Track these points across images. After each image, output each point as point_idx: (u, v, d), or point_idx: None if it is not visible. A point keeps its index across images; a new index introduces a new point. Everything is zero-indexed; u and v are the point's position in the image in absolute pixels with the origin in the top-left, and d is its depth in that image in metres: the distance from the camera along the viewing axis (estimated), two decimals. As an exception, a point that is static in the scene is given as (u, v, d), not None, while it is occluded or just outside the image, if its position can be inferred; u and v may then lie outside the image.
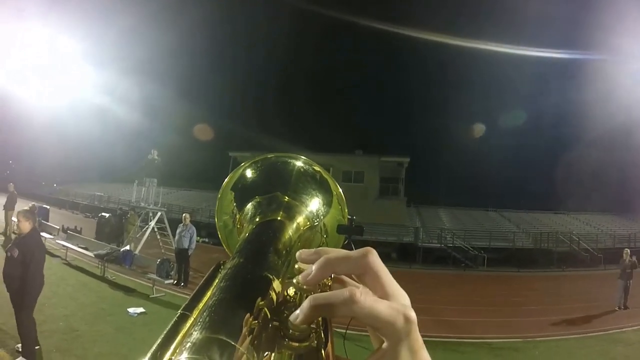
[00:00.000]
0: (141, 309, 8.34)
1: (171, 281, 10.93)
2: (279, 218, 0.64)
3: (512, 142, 47.36)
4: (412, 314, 0.37)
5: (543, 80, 47.61)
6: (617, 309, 11.97)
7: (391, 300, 0.39)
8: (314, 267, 0.41)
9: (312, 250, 0.45)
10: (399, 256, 24.72)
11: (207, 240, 24.71)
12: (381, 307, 0.37)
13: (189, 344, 0.32)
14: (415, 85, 58.39)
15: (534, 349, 8.28)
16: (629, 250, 12.77)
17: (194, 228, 11.78)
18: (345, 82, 63.75)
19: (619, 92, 31.12)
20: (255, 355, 0.35)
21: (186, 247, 11.36)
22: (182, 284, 11.11)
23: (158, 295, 9.79)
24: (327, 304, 0.37)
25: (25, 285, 5.23)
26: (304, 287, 0.41)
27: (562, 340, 8.93)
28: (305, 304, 0.37)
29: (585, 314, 11.15)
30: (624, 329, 9.76)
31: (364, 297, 0.36)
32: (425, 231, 28.65)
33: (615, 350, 8.39)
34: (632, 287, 12.07)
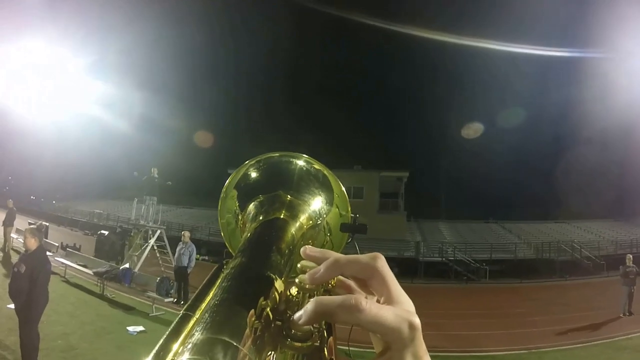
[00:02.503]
0: (141, 328, 8.27)
1: (171, 299, 10.85)
2: (281, 217, 0.64)
3: (511, 153, 47.64)
4: (417, 321, 0.38)
5: (540, 88, 47.95)
6: (622, 315, 11.90)
7: (396, 306, 0.40)
8: (322, 266, 0.42)
9: (318, 249, 0.45)
10: (401, 271, 24.56)
11: (207, 258, 24.68)
12: (386, 314, 0.37)
13: (191, 345, 0.32)
14: (413, 98, 58.96)
15: (539, 359, 8.21)
16: (631, 256, 12.74)
17: (193, 246, 11.72)
18: (344, 98, 64.33)
19: (617, 94, 31.10)
20: (257, 355, 0.35)
21: (185, 265, 11.29)
22: (182, 302, 11.00)
23: (158, 313, 9.72)
24: (332, 310, 0.37)
25: (31, 299, 5.30)
26: (307, 286, 0.42)
27: (568, 349, 8.85)
28: (310, 306, 0.37)
29: (590, 322, 11.07)
30: (630, 336, 9.70)
31: (369, 305, 0.36)
32: (426, 245, 28.64)
33: (621, 357, 8.34)
34: (636, 292, 12.01)
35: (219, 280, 0.44)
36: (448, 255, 26.54)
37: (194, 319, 0.37)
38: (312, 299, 0.38)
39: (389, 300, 0.40)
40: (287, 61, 61.09)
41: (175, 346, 0.34)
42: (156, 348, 0.34)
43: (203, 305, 0.39)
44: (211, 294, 0.41)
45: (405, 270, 24.53)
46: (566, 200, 37.69)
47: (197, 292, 0.44)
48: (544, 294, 18.20)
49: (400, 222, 32.11)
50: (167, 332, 0.37)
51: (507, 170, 46.97)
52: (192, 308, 0.40)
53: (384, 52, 58.47)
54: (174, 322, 0.38)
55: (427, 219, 36.83)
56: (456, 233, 33.34)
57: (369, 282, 0.42)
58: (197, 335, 0.33)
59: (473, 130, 45.02)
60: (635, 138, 31.92)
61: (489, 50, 40.16)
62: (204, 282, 0.46)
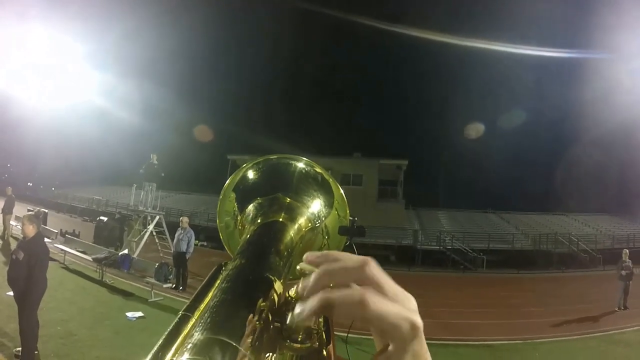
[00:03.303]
0: (139, 313, 8.31)
1: (170, 285, 10.90)
2: (280, 219, 0.64)
3: (511, 143, 47.57)
4: (419, 320, 0.38)
5: (541, 81, 47.82)
6: (617, 309, 11.97)
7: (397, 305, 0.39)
8: (311, 278, 0.41)
9: (319, 253, 0.45)
10: (398, 259, 24.72)
11: (205, 243, 24.69)
12: (389, 310, 0.37)
13: (190, 345, 0.32)
14: (414, 88, 58.72)
15: (534, 350, 8.28)
16: (627, 251, 12.78)
17: (192, 231, 11.72)
18: (344, 84, 63.99)
19: (617, 92, 31.15)
20: (256, 356, 0.35)
21: (184, 250, 11.30)
22: (181, 288, 11.07)
23: (156, 299, 9.75)
24: (336, 304, 0.37)
25: (29, 286, 5.29)
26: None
27: (563, 341, 8.92)
28: (314, 299, 0.37)
29: (585, 315, 11.14)
30: (624, 330, 9.75)
31: (374, 298, 0.36)
32: (424, 233, 28.71)
33: (615, 351, 8.39)
34: (632, 287, 12.08)
35: (217, 282, 0.44)
36: (446, 244, 26.59)
37: (193, 319, 0.37)
38: (318, 293, 0.38)
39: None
40: (288, 52, 60.68)
41: (174, 347, 0.34)
42: (155, 348, 0.34)
43: (202, 306, 0.39)
44: (210, 295, 0.41)
45: (402, 258, 24.65)
46: (565, 193, 37.80)
47: (196, 293, 0.44)
48: (540, 286, 18.31)
49: (398, 210, 32.18)
50: (166, 333, 0.37)
51: (507, 161, 46.93)
52: (191, 309, 0.39)
53: (385, 47, 58.11)
54: (173, 323, 0.38)
55: (425, 208, 36.92)
56: (454, 222, 33.40)
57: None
58: (196, 336, 0.33)
59: (474, 130, 44.95)
60: (635, 135, 32.02)
61: (490, 47, 40.12)
62: (203, 283, 0.46)
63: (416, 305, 0.41)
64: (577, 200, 36.25)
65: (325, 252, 0.45)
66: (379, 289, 0.40)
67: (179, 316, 0.39)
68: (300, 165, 0.74)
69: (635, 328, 9.80)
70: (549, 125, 47.17)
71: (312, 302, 0.37)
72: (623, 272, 12.12)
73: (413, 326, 0.37)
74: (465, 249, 25.64)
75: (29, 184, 53.68)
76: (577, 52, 36.93)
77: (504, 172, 45.34)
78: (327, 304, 0.37)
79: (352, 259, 0.42)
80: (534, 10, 41.55)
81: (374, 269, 0.41)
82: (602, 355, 8.17)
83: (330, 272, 0.41)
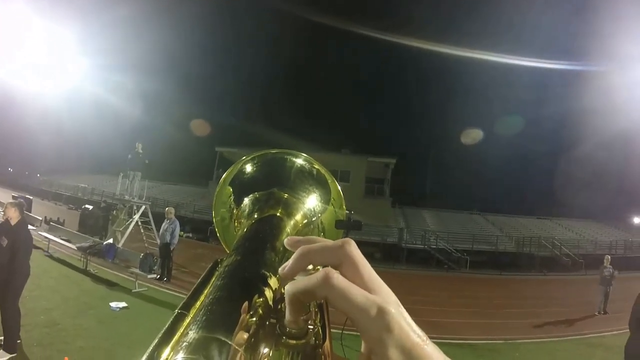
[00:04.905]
0: (123, 304, 8.23)
1: (154, 276, 10.83)
2: (277, 214, 0.64)
3: (498, 147, 48.03)
4: (390, 309, 0.34)
5: (531, 87, 48.28)
6: (597, 313, 12.19)
7: (372, 292, 0.36)
8: (291, 259, 0.40)
9: (299, 238, 0.44)
10: (383, 256, 24.86)
11: (191, 235, 24.58)
12: (355, 292, 0.35)
13: (185, 344, 0.31)
14: (405, 88, 58.97)
15: (514, 350, 8.37)
16: (609, 257, 12.99)
17: (177, 222, 11.65)
18: (336, 81, 63.93)
19: (605, 102, 31.59)
20: (252, 353, 0.34)
21: (168, 241, 11.27)
22: (165, 279, 11.01)
23: (140, 289, 9.67)
24: (302, 289, 0.36)
25: (11, 273, 5.22)
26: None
27: (543, 342, 9.06)
28: (285, 294, 0.37)
29: (566, 317, 11.32)
30: (603, 334, 9.92)
31: (339, 277, 0.35)
32: (409, 232, 28.86)
33: (594, 354, 8.54)
34: (612, 293, 12.29)
35: (213, 279, 0.43)
36: (430, 243, 26.84)
37: (189, 317, 0.37)
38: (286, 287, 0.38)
39: (365, 288, 0.36)
40: (282, 50, 60.63)
41: (169, 345, 0.34)
42: (151, 347, 0.34)
43: (197, 304, 0.38)
44: (205, 293, 0.40)
45: (387, 255, 24.80)
46: (549, 198, 38.46)
47: (191, 290, 0.43)
48: (522, 288, 18.55)
49: (385, 207, 32.31)
50: (162, 332, 0.36)
51: (494, 164, 47.44)
52: (187, 307, 0.39)
53: (379, 49, 58.30)
54: (169, 322, 0.37)
55: (411, 206, 37.14)
56: (439, 222, 33.65)
57: (340, 269, 0.38)
58: (192, 334, 0.32)
59: (470, 137, 45.30)
60: (621, 145, 32.56)
61: (484, 52, 40.54)
62: (199, 280, 0.45)
63: (395, 298, 0.37)
64: (562, 205, 36.86)
65: (306, 237, 0.44)
66: (354, 268, 0.38)
67: (174, 314, 0.39)
68: (298, 160, 0.74)
69: (614, 332, 9.95)
70: (537, 131, 47.77)
71: (286, 299, 0.37)
72: (606, 273, 12.33)
73: (381, 311, 0.34)
74: (449, 249, 25.88)
75: (9, 169, 52.94)
76: (565, 63, 37.36)
77: (490, 174, 45.92)
78: (295, 289, 0.36)
79: (331, 240, 0.41)
80: (530, 20, 41.98)
81: (353, 247, 0.39)
82: (580, 357, 8.33)
83: (308, 252, 0.40)
